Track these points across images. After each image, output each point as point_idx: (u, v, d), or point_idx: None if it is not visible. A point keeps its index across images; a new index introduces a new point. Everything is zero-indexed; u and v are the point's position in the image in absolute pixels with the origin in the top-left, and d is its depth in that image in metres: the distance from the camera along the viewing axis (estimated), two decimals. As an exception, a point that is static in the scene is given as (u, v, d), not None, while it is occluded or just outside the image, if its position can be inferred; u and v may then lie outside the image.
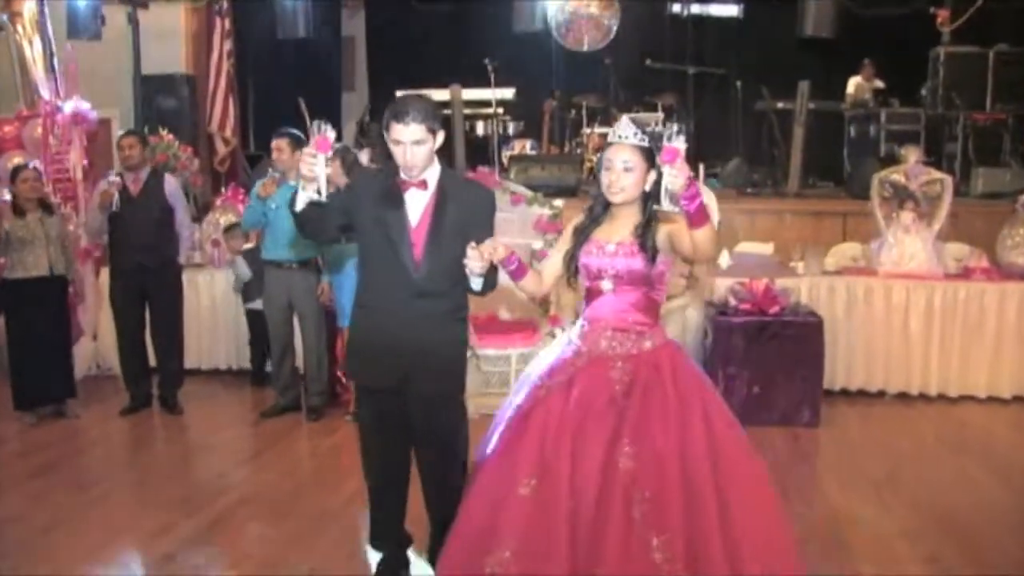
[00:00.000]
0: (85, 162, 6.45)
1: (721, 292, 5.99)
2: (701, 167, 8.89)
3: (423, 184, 3.19)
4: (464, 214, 3.21)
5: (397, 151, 3.10)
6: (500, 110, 9.56)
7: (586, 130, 9.58)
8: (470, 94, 9.26)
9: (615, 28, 9.12)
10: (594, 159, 9.35)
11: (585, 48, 9.09)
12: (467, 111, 9.35)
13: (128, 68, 8.01)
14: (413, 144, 3.07)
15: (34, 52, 6.56)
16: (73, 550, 3.93)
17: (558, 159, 9.03)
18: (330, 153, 3.02)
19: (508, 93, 9.58)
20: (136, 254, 5.63)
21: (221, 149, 9.08)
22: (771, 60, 9.83)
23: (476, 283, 3.10)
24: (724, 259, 6.58)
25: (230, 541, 4.01)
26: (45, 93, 6.52)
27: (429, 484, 3.37)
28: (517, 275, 3.12)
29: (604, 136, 9.62)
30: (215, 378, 6.78)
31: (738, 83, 9.70)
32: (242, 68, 9.37)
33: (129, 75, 8.01)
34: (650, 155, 2.95)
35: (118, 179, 5.62)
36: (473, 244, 2.94)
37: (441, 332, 3.24)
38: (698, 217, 2.76)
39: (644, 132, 2.99)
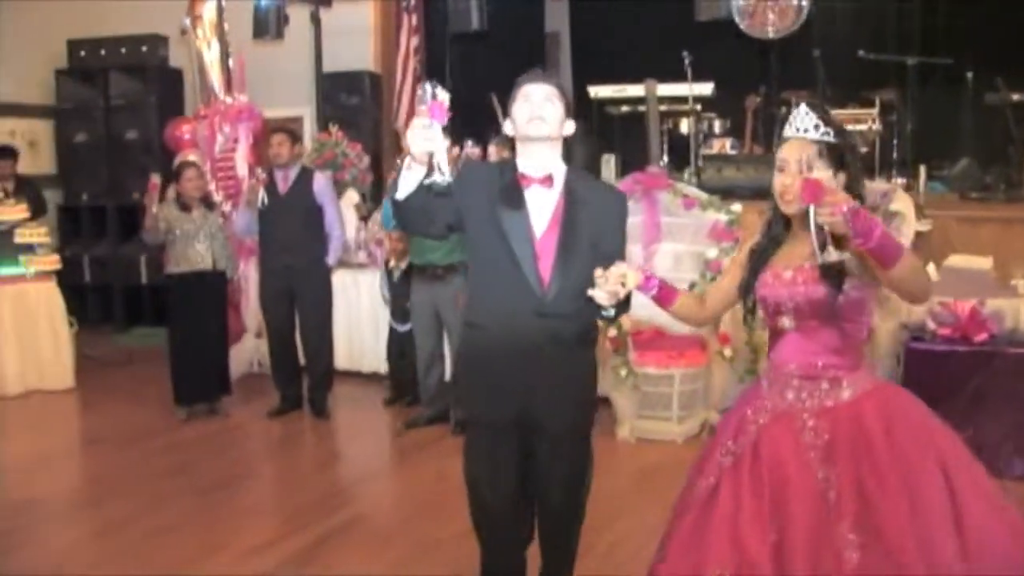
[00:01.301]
0: (251, 160, 6.48)
1: (920, 313, 5.13)
2: (923, 169, 7.90)
3: (548, 180, 2.73)
4: (596, 221, 2.74)
5: (523, 109, 2.67)
6: (698, 107, 8.92)
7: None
8: (668, 90, 8.72)
9: (805, 9, 8.18)
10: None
11: (771, 35, 8.23)
12: (667, 108, 8.83)
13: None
14: (544, 100, 2.66)
15: (212, 54, 6.67)
16: (173, 558, 3.81)
17: (755, 159, 8.28)
18: (446, 122, 2.42)
19: (706, 89, 8.92)
20: (283, 253, 5.54)
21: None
22: (1009, 46, 8.56)
23: (608, 310, 2.50)
24: (930, 274, 5.68)
25: (327, 564, 3.74)
26: (221, 94, 6.62)
27: (548, 533, 2.89)
28: (664, 300, 2.55)
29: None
30: (374, 382, 6.63)
31: (968, 74, 8.53)
32: (438, 65, 9.23)
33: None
34: (838, 154, 2.35)
35: (265, 176, 5.56)
36: (600, 271, 2.41)
37: (570, 358, 2.77)
38: (885, 253, 2.10)
39: (831, 124, 2.37)
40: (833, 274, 2.27)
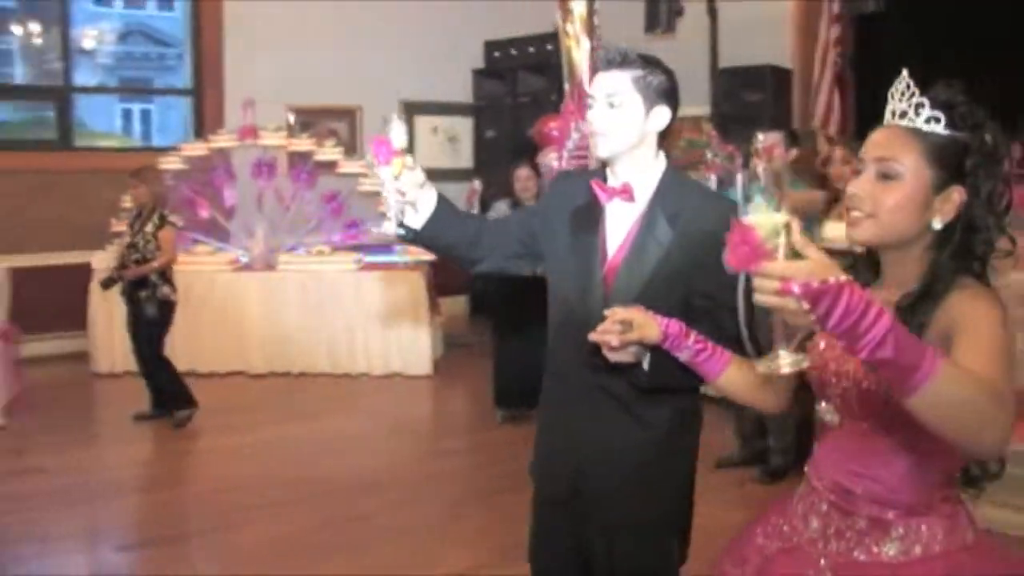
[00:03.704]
0: (603, 157, 6.19)
1: None
2: None
3: (626, 191, 2.09)
4: (682, 241, 2.04)
5: (590, 112, 2.11)
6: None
7: None
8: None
9: None
10: None
11: None
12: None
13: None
14: (605, 103, 2.07)
15: (581, 50, 6.47)
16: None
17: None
18: (405, 161, 1.98)
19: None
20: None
21: (824, 149, 8.06)
22: None
23: (640, 364, 1.90)
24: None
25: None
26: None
27: None
28: (708, 367, 1.76)
29: None
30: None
31: None
32: (869, 59, 8.07)
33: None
34: (954, 156, 1.47)
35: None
36: (615, 309, 1.84)
37: (632, 423, 2.09)
38: (889, 373, 1.19)
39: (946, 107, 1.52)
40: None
